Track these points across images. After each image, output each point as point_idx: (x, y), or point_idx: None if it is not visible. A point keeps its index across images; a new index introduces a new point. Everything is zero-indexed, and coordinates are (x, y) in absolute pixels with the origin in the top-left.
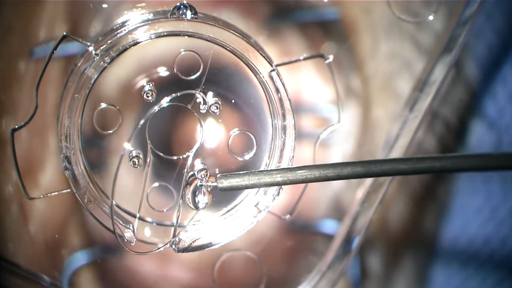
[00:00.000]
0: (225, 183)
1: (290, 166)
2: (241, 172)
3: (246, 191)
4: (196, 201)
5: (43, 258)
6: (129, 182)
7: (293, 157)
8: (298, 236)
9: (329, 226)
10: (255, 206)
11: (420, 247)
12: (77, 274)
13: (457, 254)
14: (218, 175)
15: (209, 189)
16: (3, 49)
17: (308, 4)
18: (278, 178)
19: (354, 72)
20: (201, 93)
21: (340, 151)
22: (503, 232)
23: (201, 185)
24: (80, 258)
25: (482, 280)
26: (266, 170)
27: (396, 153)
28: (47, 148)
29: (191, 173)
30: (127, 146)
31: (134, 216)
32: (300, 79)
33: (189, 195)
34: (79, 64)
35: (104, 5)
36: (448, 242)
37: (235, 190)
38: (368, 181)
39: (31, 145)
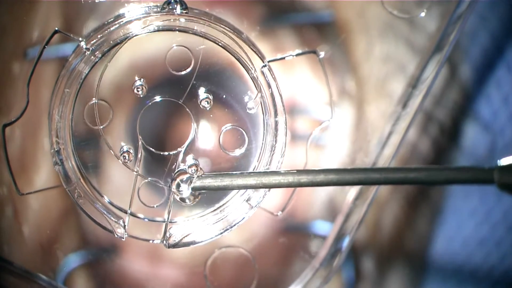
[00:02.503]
0: (198, 182)
1: (265, 170)
2: (215, 173)
3: None
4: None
5: (37, 259)
6: (121, 178)
7: (284, 152)
8: (291, 234)
9: (322, 226)
10: (247, 202)
11: (414, 249)
12: (72, 275)
13: (451, 256)
14: (185, 176)
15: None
16: None
17: (302, 6)
18: (252, 181)
19: (349, 74)
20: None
21: (334, 152)
22: (498, 234)
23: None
24: (74, 260)
25: (477, 283)
26: (240, 173)
27: (389, 151)
28: (41, 149)
29: (181, 167)
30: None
31: (126, 212)
32: (294, 81)
33: (174, 189)
34: (70, 59)
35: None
36: (443, 244)
37: (208, 190)
38: None
39: (25, 145)
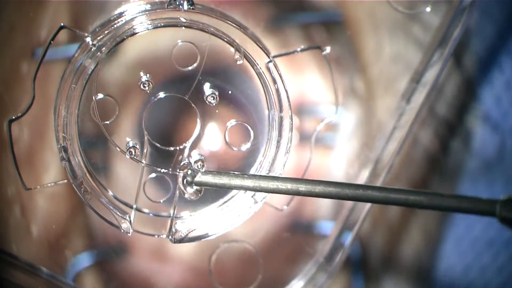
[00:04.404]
0: (196, 177)
1: (265, 174)
2: (215, 171)
3: None
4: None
5: (45, 258)
6: (126, 173)
7: (290, 147)
8: (296, 229)
9: (327, 224)
10: (252, 197)
11: (422, 248)
12: (80, 274)
13: (460, 256)
14: (189, 170)
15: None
16: (6, 49)
17: (310, 6)
18: (249, 183)
19: (357, 71)
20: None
21: (340, 147)
22: (506, 234)
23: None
24: (82, 258)
25: (486, 282)
26: (240, 174)
27: (393, 146)
28: (49, 147)
29: (184, 162)
30: None
31: (131, 207)
32: (302, 81)
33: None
34: (76, 55)
35: None
36: (451, 244)
37: (204, 187)
38: (365, 173)
39: (34, 144)
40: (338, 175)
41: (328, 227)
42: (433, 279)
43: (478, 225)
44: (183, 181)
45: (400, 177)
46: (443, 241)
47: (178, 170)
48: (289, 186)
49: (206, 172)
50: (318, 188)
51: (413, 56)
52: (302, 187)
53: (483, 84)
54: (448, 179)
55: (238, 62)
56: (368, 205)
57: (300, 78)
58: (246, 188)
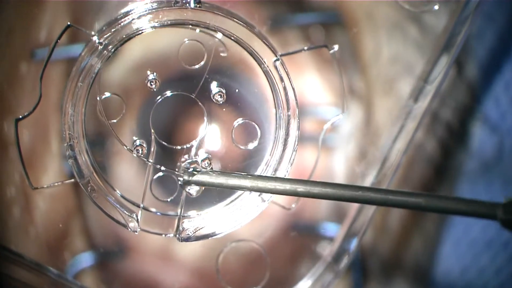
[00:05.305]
0: (193, 177)
1: (263, 175)
2: (212, 170)
3: None
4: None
5: (45, 260)
6: (133, 172)
7: (297, 146)
8: (303, 228)
9: (335, 225)
10: (259, 196)
11: (422, 250)
12: (80, 275)
13: (458, 257)
14: (186, 169)
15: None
16: (6, 50)
17: (311, 7)
18: (247, 183)
19: (358, 75)
20: None
21: (346, 152)
22: (504, 236)
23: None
24: (82, 260)
25: (484, 284)
26: (237, 173)
27: (400, 145)
28: (49, 150)
29: (193, 160)
30: None
31: (138, 206)
32: (302, 82)
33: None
34: (83, 53)
35: None
36: (450, 246)
37: (201, 186)
38: (371, 175)
39: (33, 146)
40: (342, 176)
41: (336, 227)
42: (431, 281)
43: (476, 226)
44: (181, 180)
45: (398, 178)
46: (441, 243)
47: (178, 169)
48: (287, 187)
49: (203, 172)
50: (316, 189)
51: (413, 56)
52: (300, 188)
53: (482, 85)
54: (447, 180)
55: (222, 54)
56: (374, 206)
57: (299, 79)
58: (243, 188)
